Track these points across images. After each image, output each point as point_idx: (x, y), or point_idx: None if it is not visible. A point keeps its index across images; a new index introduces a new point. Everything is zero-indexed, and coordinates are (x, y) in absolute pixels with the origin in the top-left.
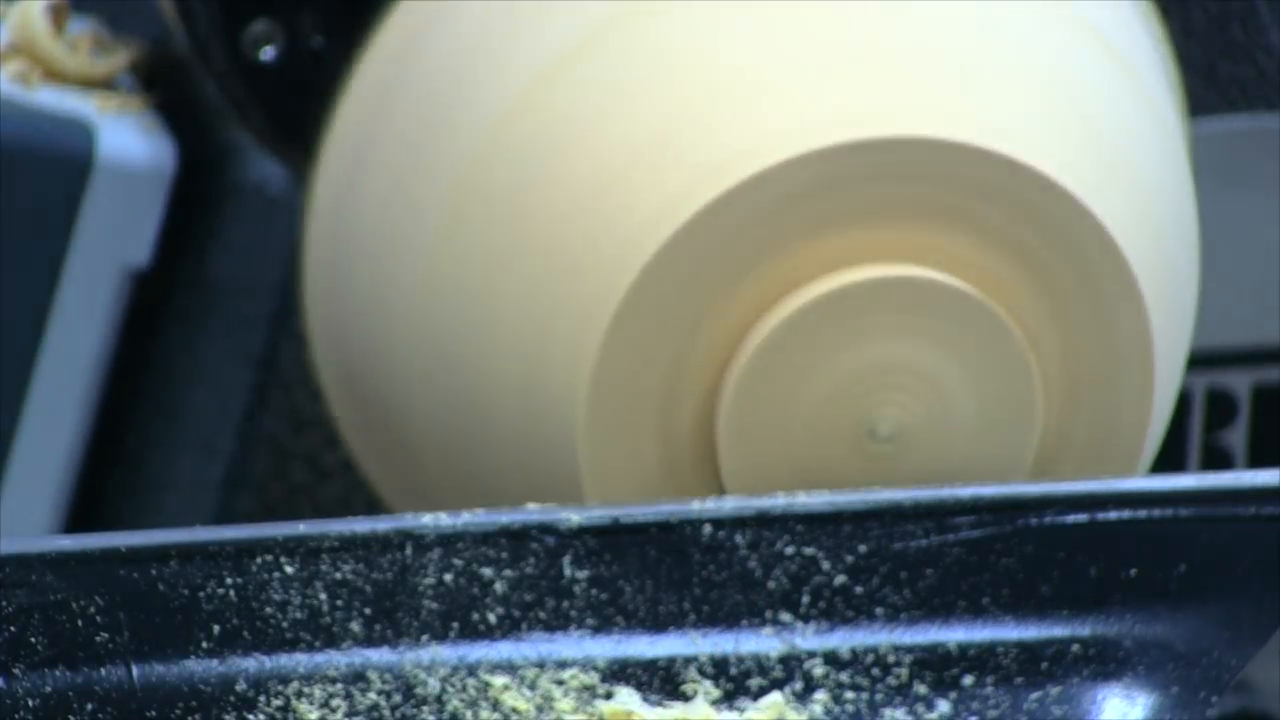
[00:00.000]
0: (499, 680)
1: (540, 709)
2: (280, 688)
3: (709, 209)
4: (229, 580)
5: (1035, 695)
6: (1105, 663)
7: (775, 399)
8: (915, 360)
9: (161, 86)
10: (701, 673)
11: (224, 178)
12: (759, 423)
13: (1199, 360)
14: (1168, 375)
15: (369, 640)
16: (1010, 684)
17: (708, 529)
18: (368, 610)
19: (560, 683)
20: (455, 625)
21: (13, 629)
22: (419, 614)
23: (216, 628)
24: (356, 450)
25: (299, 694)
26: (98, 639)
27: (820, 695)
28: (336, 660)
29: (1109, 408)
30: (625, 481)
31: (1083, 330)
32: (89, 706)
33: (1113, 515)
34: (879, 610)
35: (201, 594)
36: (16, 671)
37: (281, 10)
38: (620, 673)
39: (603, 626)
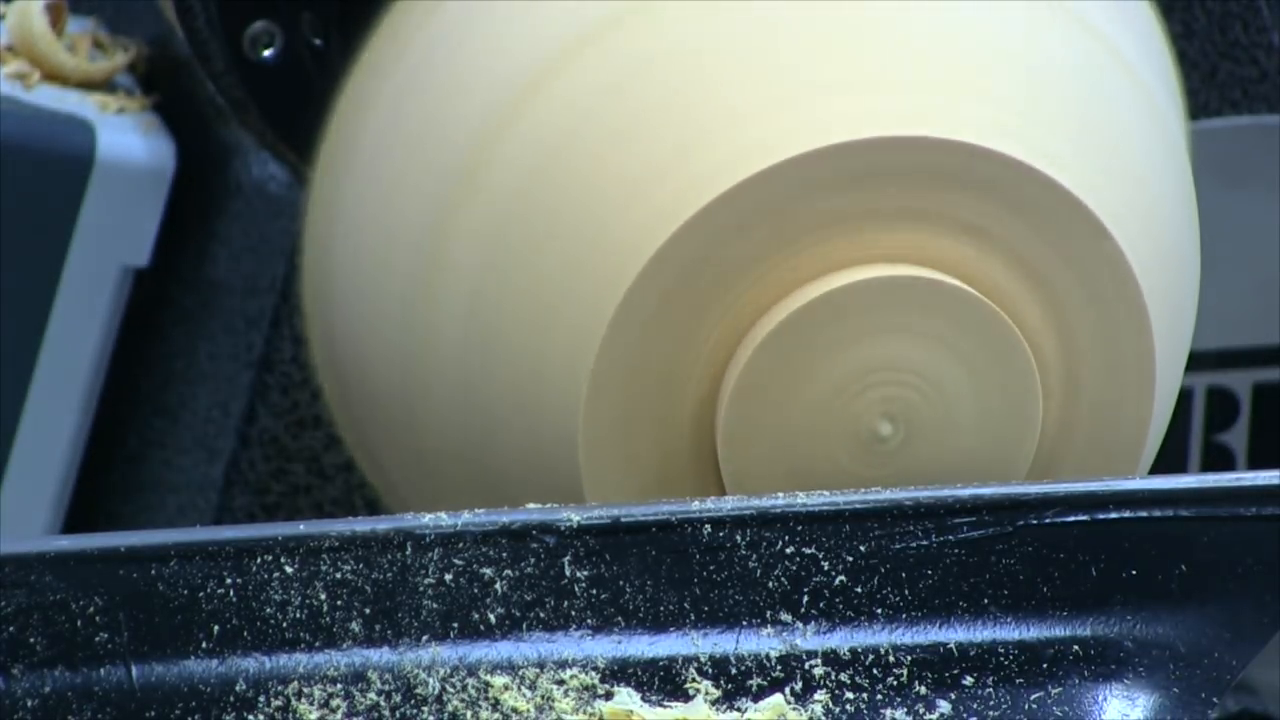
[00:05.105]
0: (499, 680)
1: (540, 709)
2: (280, 688)
3: (708, 210)
4: (229, 580)
5: (1036, 695)
6: (1106, 663)
7: (775, 399)
8: (915, 360)
9: (161, 86)
10: (701, 673)
11: (224, 178)
12: (759, 423)
13: (1199, 360)
14: (1168, 375)
15: (369, 640)
16: (1011, 684)
17: (708, 529)
18: (368, 610)
19: (560, 683)
20: (455, 625)
21: (12, 629)
22: (419, 614)
23: (216, 628)
24: (356, 450)
25: (299, 694)
26: (97, 639)
27: (820, 695)
28: (336, 660)
29: (1109, 408)
30: (625, 481)
31: (1082, 330)
32: (88, 707)
33: (1113, 515)
34: (879, 610)
35: (201, 594)
36: (16, 672)
37: (281, 10)
38: (620, 673)
39: (603, 626)
